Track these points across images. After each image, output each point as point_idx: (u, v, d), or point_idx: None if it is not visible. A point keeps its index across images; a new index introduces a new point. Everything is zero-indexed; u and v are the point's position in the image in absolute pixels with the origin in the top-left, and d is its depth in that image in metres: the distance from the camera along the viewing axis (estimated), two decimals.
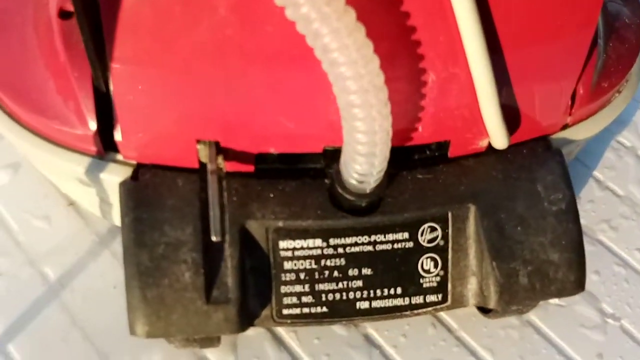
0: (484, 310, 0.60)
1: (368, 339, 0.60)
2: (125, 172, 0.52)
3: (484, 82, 0.48)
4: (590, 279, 0.65)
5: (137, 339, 0.56)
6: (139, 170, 0.52)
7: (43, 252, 0.62)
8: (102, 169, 0.53)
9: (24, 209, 0.65)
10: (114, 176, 0.52)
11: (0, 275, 0.61)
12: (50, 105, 0.53)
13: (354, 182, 0.48)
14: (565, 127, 0.58)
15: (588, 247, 0.65)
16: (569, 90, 0.54)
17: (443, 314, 0.62)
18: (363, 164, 0.46)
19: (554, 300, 0.63)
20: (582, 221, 0.66)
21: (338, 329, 0.60)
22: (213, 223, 0.47)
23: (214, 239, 0.47)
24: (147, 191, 0.51)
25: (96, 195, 0.57)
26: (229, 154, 0.51)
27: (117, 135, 0.51)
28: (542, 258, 0.52)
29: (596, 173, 0.73)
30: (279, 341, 0.60)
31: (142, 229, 0.49)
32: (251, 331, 0.60)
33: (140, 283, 0.48)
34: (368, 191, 0.49)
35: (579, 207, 0.69)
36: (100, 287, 0.62)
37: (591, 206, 0.70)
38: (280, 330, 0.60)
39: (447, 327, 0.61)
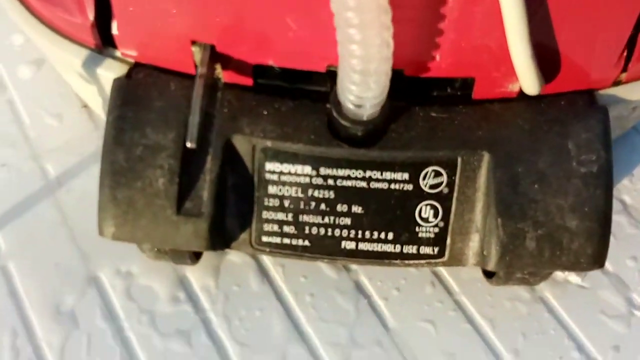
0: (486, 274, 0.54)
1: (358, 286, 0.56)
2: (121, 70, 0.50)
3: (513, 10, 0.41)
4: (625, 264, 0.57)
5: (120, 248, 0.55)
6: (134, 69, 0.49)
7: (48, 148, 0.62)
8: (99, 63, 0.50)
9: (39, 105, 0.64)
10: (110, 73, 0.50)
11: (3, 166, 0.61)
12: None
13: (349, 105, 0.43)
14: (617, 83, 0.50)
15: (630, 230, 0.58)
16: (624, 37, 0.46)
17: (445, 274, 0.56)
18: (357, 83, 0.41)
19: (576, 279, 0.56)
20: (629, 200, 0.60)
21: (328, 271, 0.56)
22: (190, 128, 0.43)
23: (188, 145, 0.43)
24: (137, 90, 0.48)
25: (98, 95, 0.56)
26: (226, 61, 0.47)
27: (115, 29, 0.49)
28: (558, 223, 0.45)
29: None
30: (264, 273, 0.56)
31: (123, 127, 0.46)
32: (237, 258, 0.57)
33: (112, 182, 0.46)
34: (365, 118, 0.44)
35: (630, 184, 0.62)
36: (97, 192, 0.61)
37: None
38: (267, 263, 0.57)
39: (446, 289, 0.56)
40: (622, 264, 0.57)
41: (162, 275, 0.56)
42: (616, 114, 0.52)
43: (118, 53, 0.50)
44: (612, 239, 0.57)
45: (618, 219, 0.60)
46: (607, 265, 0.58)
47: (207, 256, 0.56)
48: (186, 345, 0.53)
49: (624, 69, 0.49)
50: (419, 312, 0.54)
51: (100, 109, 0.61)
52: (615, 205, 0.61)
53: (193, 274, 0.56)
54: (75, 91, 0.63)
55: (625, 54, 0.48)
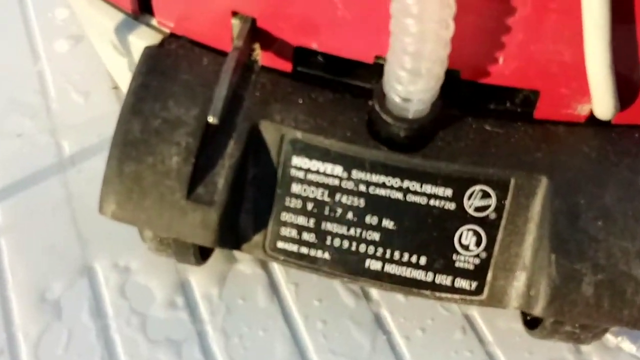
0: (529, 324, 0.47)
1: (378, 319, 0.49)
2: (155, 40, 0.46)
3: (596, 15, 0.36)
4: None
5: (122, 239, 0.50)
6: (168, 39, 0.46)
7: (68, 124, 0.58)
8: (133, 30, 0.47)
9: (69, 80, 0.61)
10: (143, 41, 0.46)
11: (20, 136, 0.57)
12: None
13: (395, 98, 0.38)
14: None
15: None
16: None
17: (479, 320, 0.49)
18: (408, 69, 0.36)
19: (630, 347, 0.48)
20: None
21: (346, 297, 0.50)
22: (215, 101, 0.39)
23: (210, 119, 0.39)
24: (166, 60, 0.44)
25: (129, 70, 0.52)
26: (265, 40, 0.43)
27: None
28: (622, 269, 0.39)
29: None
30: (274, 289, 0.50)
31: (144, 96, 0.42)
32: (247, 268, 0.51)
33: (122, 154, 0.41)
34: (411, 115, 0.39)
35: None
36: None
37: None
38: (280, 278, 0.51)
39: (479, 337, 0.49)
40: None
41: (162, 276, 0.50)
42: None
43: (154, 21, 0.47)
44: None
45: None
46: None
47: (215, 261, 0.51)
48: (175, 357, 0.46)
49: None
50: (444, 358, 0.47)
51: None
52: None
53: (196, 278, 0.50)
54: (108, 69, 0.59)
55: None
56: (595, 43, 0.37)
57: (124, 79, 0.56)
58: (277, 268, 0.51)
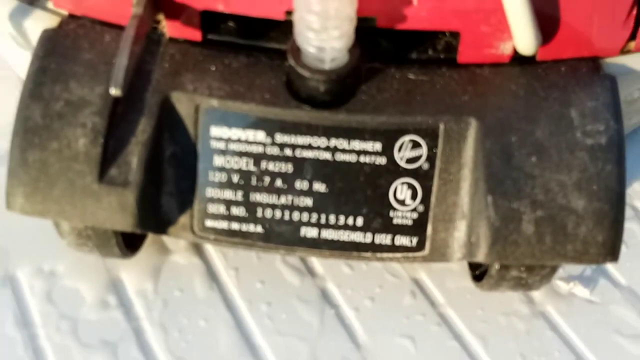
0: (477, 278, 0.45)
1: (325, 294, 0.47)
2: (53, 23, 0.43)
3: None
4: None
5: (46, 243, 0.47)
6: (66, 20, 0.43)
7: None
8: (29, 15, 0.44)
9: None
10: (41, 25, 0.43)
11: None
12: None
13: (308, 48, 0.36)
14: (626, 52, 0.44)
15: None
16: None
17: (428, 283, 0.47)
18: (317, 12, 0.34)
19: (583, 292, 0.47)
20: None
21: (290, 276, 0.47)
22: (115, 72, 0.36)
23: (112, 92, 0.36)
24: (65, 41, 0.41)
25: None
26: (169, 7, 0.40)
27: None
28: (560, 203, 0.37)
29: None
30: (213, 277, 0.47)
31: (43, 80, 0.39)
32: (182, 259, 0.48)
33: (24, 142, 0.38)
34: (327, 66, 0.37)
35: None
36: None
37: None
38: (218, 265, 0.48)
39: (429, 300, 0.47)
40: (637, 276, 0.48)
41: (91, 276, 0.47)
42: (625, 93, 0.46)
43: (50, 4, 0.44)
44: (624, 248, 0.49)
45: (630, 226, 0.51)
46: (620, 277, 0.49)
47: (147, 255, 0.48)
48: (111, 359, 0.43)
49: (633, 36, 0.43)
50: (395, 325, 0.45)
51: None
52: (627, 212, 0.53)
53: (128, 275, 0.47)
54: (15, 70, 0.56)
55: (635, 12, 0.41)
56: None
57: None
58: (214, 255, 0.48)
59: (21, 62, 0.51)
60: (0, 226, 0.48)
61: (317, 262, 0.48)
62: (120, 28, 0.42)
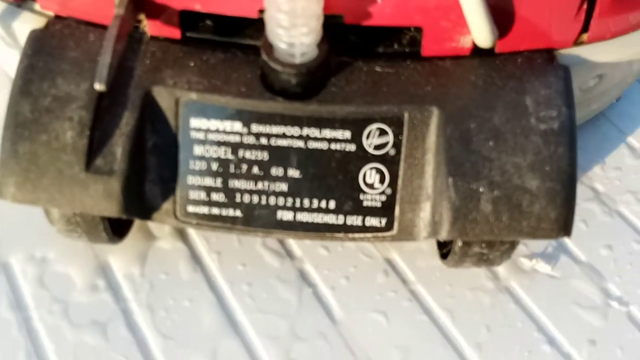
0: (443, 255, 0.48)
1: (302, 274, 0.50)
2: (40, 24, 0.46)
3: None
4: (598, 253, 0.52)
5: (37, 231, 0.49)
6: (52, 21, 0.45)
7: None
8: (16, 16, 0.46)
9: None
10: (29, 26, 0.45)
11: None
12: None
13: (279, 44, 0.39)
14: (580, 44, 0.47)
15: (602, 218, 0.53)
16: None
17: (400, 262, 0.50)
18: (286, 11, 0.37)
19: (545, 268, 0.50)
20: (601, 188, 0.55)
21: (269, 258, 0.50)
22: (99, 68, 0.39)
23: (96, 87, 0.39)
24: (51, 41, 0.43)
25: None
26: (150, 7, 0.43)
27: None
28: (515, 183, 0.40)
29: (631, 140, 0.60)
30: (196, 261, 0.50)
31: (31, 77, 0.41)
32: (167, 244, 0.51)
33: (14, 136, 0.40)
34: (298, 60, 0.40)
35: (601, 172, 0.57)
36: None
37: (617, 174, 0.57)
38: (201, 249, 0.51)
39: (401, 277, 0.50)
40: (595, 252, 0.52)
41: (80, 262, 0.49)
42: (580, 82, 0.49)
43: (37, 6, 0.46)
44: (584, 227, 0.53)
45: (590, 206, 0.54)
46: (579, 254, 0.52)
47: (133, 241, 0.50)
48: (101, 338, 0.46)
49: (586, 28, 0.46)
50: (369, 302, 0.48)
51: None
52: (587, 193, 0.56)
53: (116, 260, 0.49)
54: (3, 68, 0.58)
55: (585, 6, 0.44)
56: None
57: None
58: (197, 240, 0.51)
59: (9, 61, 0.53)
60: None
61: (295, 245, 0.51)
62: (103, 28, 0.44)
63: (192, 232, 0.52)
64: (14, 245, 0.50)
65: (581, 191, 0.55)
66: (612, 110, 0.60)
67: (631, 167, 0.57)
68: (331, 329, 0.47)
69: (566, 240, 0.52)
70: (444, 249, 0.49)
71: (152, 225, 0.51)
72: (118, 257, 0.50)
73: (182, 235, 0.51)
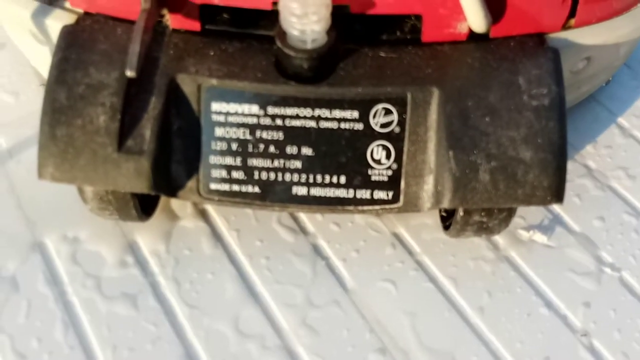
0: (446, 227, 0.52)
1: (316, 248, 0.53)
2: (71, 20, 0.50)
3: None
4: (592, 224, 0.55)
5: (69, 213, 0.53)
6: (82, 17, 0.49)
7: (2, 122, 0.60)
8: (48, 14, 0.50)
9: None
10: (59, 23, 0.49)
11: None
12: None
13: (292, 31, 0.43)
14: (568, 28, 0.50)
15: (595, 192, 0.57)
16: None
17: (406, 235, 0.54)
18: (297, 0, 0.40)
19: (542, 238, 0.54)
20: (593, 165, 0.59)
21: (285, 234, 0.54)
22: (130, 57, 0.42)
23: (127, 73, 0.42)
24: (83, 35, 0.47)
25: (51, 57, 0.55)
26: (172, 3, 0.47)
27: None
28: (511, 154, 0.44)
29: (621, 120, 0.63)
30: (217, 237, 0.54)
31: (65, 68, 0.45)
32: (189, 223, 0.55)
33: (52, 120, 0.44)
34: (309, 46, 0.44)
35: (593, 150, 0.61)
36: None
37: (608, 152, 0.60)
38: (222, 227, 0.54)
39: (407, 249, 0.53)
40: (589, 224, 0.55)
41: (110, 240, 0.53)
42: (570, 65, 0.52)
43: (67, 4, 0.50)
44: (577, 201, 0.56)
45: (583, 182, 0.58)
46: (574, 225, 0.56)
47: (158, 221, 0.54)
48: (132, 309, 0.50)
49: (573, 13, 0.50)
50: (378, 272, 0.52)
51: None
52: (580, 170, 0.60)
53: (143, 238, 0.53)
54: (33, 65, 0.62)
55: None
56: None
57: (48, 68, 0.59)
58: (217, 219, 0.55)
59: (40, 57, 0.57)
60: (28, 201, 0.55)
61: (308, 222, 0.55)
62: (129, 22, 0.48)
63: (213, 212, 0.55)
64: (48, 227, 0.54)
65: (575, 168, 0.58)
66: (602, 93, 0.64)
67: (621, 145, 0.61)
68: (344, 297, 0.50)
69: (561, 212, 0.56)
70: (447, 222, 0.52)
71: (175, 206, 0.55)
72: (145, 235, 0.53)
73: (203, 214, 0.55)
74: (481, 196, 0.44)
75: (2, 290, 0.50)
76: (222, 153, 0.47)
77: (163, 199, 0.55)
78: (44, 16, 0.50)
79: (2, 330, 0.48)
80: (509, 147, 0.44)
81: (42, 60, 0.58)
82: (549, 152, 0.44)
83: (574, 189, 0.57)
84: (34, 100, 0.63)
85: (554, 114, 0.45)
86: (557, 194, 0.44)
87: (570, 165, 0.58)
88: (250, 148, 0.47)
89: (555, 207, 0.56)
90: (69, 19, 0.50)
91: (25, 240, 0.53)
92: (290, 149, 0.47)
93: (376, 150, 0.47)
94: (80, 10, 0.50)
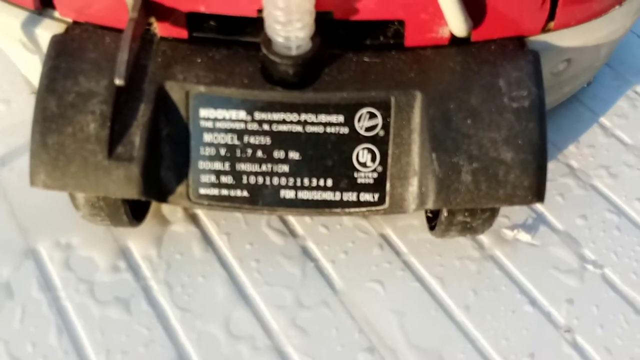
0: (432, 228, 0.53)
1: (305, 251, 0.54)
2: (60, 30, 0.51)
3: None
4: (575, 222, 0.56)
5: (61, 220, 0.54)
6: (72, 27, 0.50)
7: None
8: (38, 24, 0.51)
9: None
10: (49, 32, 0.50)
11: None
12: None
13: (277, 38, 0.44)
14: (547, 31, 0.51)
15: (577, 191, 0.58)
16: None
17: (394, 237, 0.55)
18: (281, 7, 0.41)
19: (526, 237, 0.55)
20: (576, 164, 0.60)
21: (274, 237, 0.55)
22: (118, 65, 0.43)
23: (116, 82, 0.43)
24: (72, 44, 0.48)
25: (41, 65, 0.56)
26: (159, 11, 0.48)
27: None
28: (492, 155, 0.45)
29: (603, 120, 0.65)
30: (208, 241, 0.55)
31: (55, 76, 0.46)
32: (180, 227, 0.56)
33: (43, 128, 0.45)
34: (294, 52, 0.45)
35: (576, 150, 0.62)
36: None
37: (590, 151, 0.62)
38: (212, 232, 0.55)
39: (395, 250, 0.54)
40: (571, 222, 0.56)
41: (103, 246, 0.54)
42: (551, 66, 0.53)
43: (57, 14, 0.51)
44: (560, 199, 0.57)
45: (566, 181, 0.59)
46: (557, 223, 0.57)
47: (149, 226, 0.55)
48: (124, 313, 0.50)
49: (552, 16, 0.51)
50: (366, 273, 0.53)
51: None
52: (563, 169, 0.61)
53: (134, 243, 0.54)
54: (24, 74, 0.63)
55: None
56: None
57: (38, 76, 0.60)
58: (208, 223, 0.56)
59: (30, 66, 0.58)
60: (20, 208, 0.56)
61: (297, 225, 0.56)
62: (118, 31, 0.49)
63: (203, 216, 0.56)
64: (40, 233, 0.54)
65: (557, 168, 0.60)
66: (584, 94, 0.65)
67: (603, 145, 0.62)
68: (333, 298, 0.51)
69: (545, 211, 0.57)
70: (433, 222, 0.53)
71: (166, 211, 0.56)
72: (136, 241, 0.54)
73: (193, 219, 0.56)
74: (464, 197, 0.45)
75: None
76: (211, 158, 0.48)
77: (154, 205, 0.56)
78: (34, 26, 0.51)
79: None
80: (490, 149, 0.45)
81: (33, 69, 0.59)
82: (530, 152, 0.45)
83: (557, 188, 0.58)
84: (25, 108, 0.63)
85: (534, 115, 0.46)
86: (538, 194, 0.46)
87: (553, 165, 0.59)
88: (238, 153, 0.48)
89: (539, 206, 0.57)
90: (58, 28, 0.51)
91: (19, 247, 0.54)
92: (278, 154, 0.48)
93: (362, 154, 0.48)
94: (70, 20, 0.51)
